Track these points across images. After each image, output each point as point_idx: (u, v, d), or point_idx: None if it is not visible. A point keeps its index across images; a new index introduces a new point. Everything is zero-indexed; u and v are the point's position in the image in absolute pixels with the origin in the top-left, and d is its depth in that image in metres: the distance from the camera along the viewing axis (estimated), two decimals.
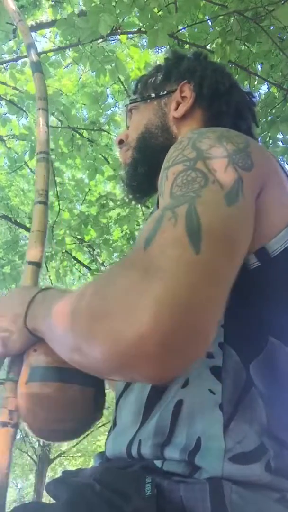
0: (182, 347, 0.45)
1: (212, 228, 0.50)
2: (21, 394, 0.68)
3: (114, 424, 0.71)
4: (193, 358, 0.47)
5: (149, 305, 0.43)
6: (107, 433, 0.74)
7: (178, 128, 0.86)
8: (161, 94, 0.90)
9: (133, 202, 3.90)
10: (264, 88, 3.52)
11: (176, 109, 0.87)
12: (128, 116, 0.96)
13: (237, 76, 2.69)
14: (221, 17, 2.41)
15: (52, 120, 4.19)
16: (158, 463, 0.59)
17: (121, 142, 0.94)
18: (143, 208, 4.10)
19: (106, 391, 0.72)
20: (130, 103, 0.94)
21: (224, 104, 0.86)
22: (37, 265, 0.82)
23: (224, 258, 0.49)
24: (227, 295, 0.49)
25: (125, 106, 0.96)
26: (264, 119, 2.90)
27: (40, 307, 0.65)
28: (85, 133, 3.76)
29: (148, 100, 0.91)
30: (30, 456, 12.37)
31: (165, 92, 0.90)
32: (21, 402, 0.68)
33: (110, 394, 0.88)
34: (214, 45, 2.66)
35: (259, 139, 2.98)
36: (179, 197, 0.55)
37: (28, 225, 4.95)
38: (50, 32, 5.03)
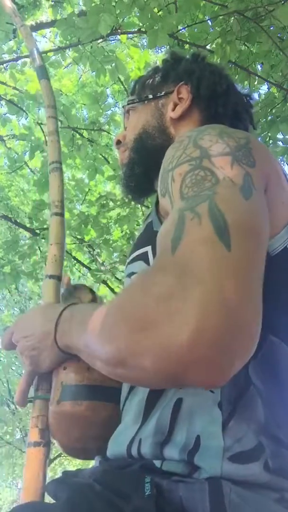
0: (233, 346, 0.44)
1: (238, 223, 0.49)
2: (53, 413, 0.68)
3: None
4: (245, 356, 0.47)
5: (194, 309, 0.43)
6: None
7: (175, 129, 0.87)
8: (158, 95, 0.90)
9: (133, 202, 3.91)
10: (264, 88, 3.52)
11: (173, 110, 0.87)
12: (125, 117, 0.96)
13: (237, 76, 2.69)
14: (221, 17, 2.41)
15: None
16: (157, 462, 0.59)
17: (118, 142, 0.95)
18: (143, 208, 4.10)
19: None
20: (128, 104, 0.95)
21: (221, 105, 0.87)
22: (58, 278, 0.81)
23: (254, 251, 0.49)
24: (262, 287, 0.49)
25: (123, 107, 0.97)
26: (264, 119, 2.90)
27: (70, 323, 0.64)
28: (85, 133, 3.76)
29: (146, 101, 0.91)
30: None
31: (162, 93, 0.90)
32: (52, 421, 0.68)
33: None
34: (214, 45, 2.66)
35: (259, 139, 2.98)
36: (194, 197, 0.54)
37: (28, 225, 4.94)
38: (50, 32, 5.03)
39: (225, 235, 0.47)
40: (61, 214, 0.88)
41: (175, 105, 0.87)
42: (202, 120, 0.86)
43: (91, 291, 0.81)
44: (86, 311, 0.61)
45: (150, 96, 0.91)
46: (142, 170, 0.88)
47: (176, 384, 0.50)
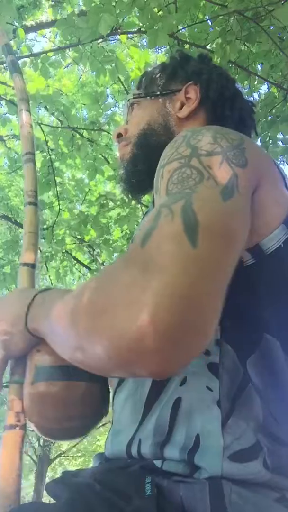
0: (184, 341, 0.45)
1: (209, 223, 0.50)
2: (28, 395, 0.68)
3: (112, 422, 0.71)
4: (195, 352, 0.48)
5: (149, 300, 0.44)
6: (107, 433, 0.74)
7: (180, 128, 0.86)
8: (165, 92, 0.90)
9: (133, 201, 3.90)
10: (264, 88, 3.53)
11: (180, 109, 0.87)
12: (128, 111, 0.95)
13: (237, 76, 2.69)
14: (221, 17, 2.40)
15: (52, 120, 4.20)
16: (157, 463, 0.59)
17: (119, 136, 0.94)
18: (143, 208, 4.10)
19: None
20: (134, 98, 0.94)
21: (228, 108, 0.87)
22: (32, 266, 0.82)
23: (221, 252, 0.50)
24: (225, 289, 0.49)
25: (128, 100, 0.96)
26: (264, 119, 2.90)
27: (40, 308, 0.65)
28: (85, 133, 3.76)
29: (152, 97, 0.91)
30: (30, 456, 12.37)
31: (170, 91, 0.90)
32: (28, 403, 0.68)
33: None
34: (214, 45, 2.66)
35: (259, 139, 2.98)
36: (175, 194, 0.55)
37: None
38: (50, 32, 5.02)
39: (193, 233, 0.48)
40: (35, 204, 0.91)
41: (182, 105, 0.88)
42: (208, 122, 0.86)
43: None
44: (56, 295, 0.62)
45: (157, 93, 0.91)
46: (145, 166, 0.87)
47: (127, 372, 0.51)
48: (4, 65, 3.79)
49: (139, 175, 0.89)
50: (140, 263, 0.48)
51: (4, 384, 0.72)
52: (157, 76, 0.93)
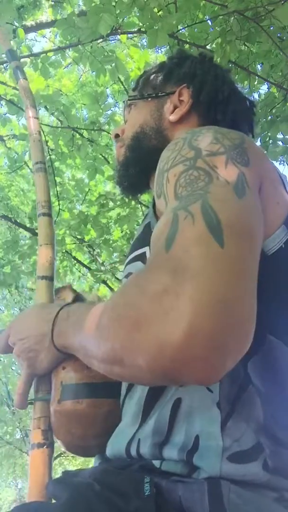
0: (227, 343, 0.44)
1: (232, 222, 0.50)
2: (55, 413, 0.68)
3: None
4: (239, 353, 0.47)
5: (187, 306, 0.43)
6: None
7: (171, 131, 0.86)
8: (159, 94, 0.90)
9: (133, 202, 3.90)
10: (264, 88, 3.52)
11: (172, 112, 0.87)
12: (126, 111, 0.95)
13: (237, 76, 2.69)
14: (221, 17, 2.40)
15: (52, 120, 4.19)
16: (156, 463, 0.59)
17: (117, 136, 0.94)
18: (143, 208, 4.10)
19: None
20: (129, 99, 0.94)
21: (220, 112, 0.86)
22: (50, 279, 0.81)
23: (247, 249, 0.50)
24: (256, 286, 0.49)
25: (123, 102, 0.96)
26: (264, 119, 2.90)
27: (67, 323, 0.64)
28: (85, 133, 3.75)
29: (147, 99, 0.91)
30: None
31: (164, 93, 0.89)
32: (55, 421, 0.68)
33: None
34: (214, 45, 2.66)
35: (259, 139, 2.98)
36: (188, 196, 0.55)
37: (28, 225, 4.95)
38: (50, 32, 5.02)
39: (218, 233, 0.48)
40: (49, 214, 0.89)
41: (175, 107, 0.87)
42: (200, 125, 0.84)
43: (73, 289, 0.81)
44: (82, 310, 0.62)
45: (152, 94, 0.90)
46: (136, 170, 0.88)
47: (171, 381, 0.50)
48: (4, 65, 3.79)
49: (130, 179, 0.90)
50: (169, 269, 0.47)
51: (29, 401, 0.72)
52: (153, 77, 0.93)
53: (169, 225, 0.51)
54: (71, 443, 0.70)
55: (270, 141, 3.04)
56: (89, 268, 5.58)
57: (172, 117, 0.86)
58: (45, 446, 0.67)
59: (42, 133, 1.03)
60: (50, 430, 0.69)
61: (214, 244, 0.47)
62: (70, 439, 0.69)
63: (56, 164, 4.03)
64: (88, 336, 0.55)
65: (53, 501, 0.65)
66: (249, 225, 0.52)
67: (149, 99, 0.90)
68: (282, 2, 2.16)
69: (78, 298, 0.79)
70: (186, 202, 0.53)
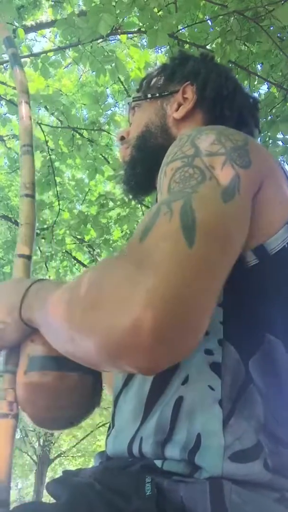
0: (174, 338, 0.45)
1: (207, 224, 0.50)
2: (21, 384, 0.68)
3: (113, 423, 0.71)
4: (185, 350, 0.48)
5: (142, 296, 0.44)
6: (107, 432, 0.74)
7: (177, 129, 0.86)
8: (163, 94, 0.90)
9: (133, 202, 3.90)
10: (264, 88, 3.52)
11: (177, 110, 0.87)
12: (131, 113, 0.96)
13: (237, 76, 2.69)
14: (221, 17, 2.40)
15: (52, 120, 4.19)
16: (158, 462, 0.59)
17: (122, 138, 0.95)
18: (143, 208, 4.10)
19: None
20: (133, 101, 0.94)
21: (226, 108, 0.86)
22: (28, 258, 0.82)
23: (218, 253, 0.50)
24: (220, 290, 0.50)
25: (128, 103, 0.97)
26: (264, 119, 2.90)
27: (35, 298, 0.65)
28: (85, 133, 3.75)
29: (151, 99, 0.91)
30: (30, 456, 12.37)
31: (167, 92, 0.90)
32: (20, 392, 0.68)
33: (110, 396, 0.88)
34: (214, 45, 2.66)
35: (259, 139, 2.98)
36: (176, 192, 0.56)
37: None
38: (50, 32, 5.02)
39: (190, 233, 0.49)
40: (32, 196, 0.91)
41: (179, 105, 0.87)
42: (205, 122, 0.85)
43: None
44: (51, 286, 0.63)
45: (156, 94, 0.91)
46: (143, 169, 0.88)
47: (116, 367, 0.51)
48: (4, 65, 3.79)
49: (137, 177, 0.90)
50: (136, 259, 0.48)
51: None
52: (156, 77, 0.93)
53: (150, 217, 0.53)
54: (36, 415, 0.70)
55: (270, 141, 3.04)
56: None
57: (177, 115, 0.86)
58: (10, 417, 0.68)
59: (40, 129, 1.04)
60: (16, 402, 0.69)
61: (182, 242, 0.48)
62: (35, 411, 0.69)
63: (56, 164, 4.03)
64: (49, 312, 0.56)
65: (53, 500, 0.65)
66: (226, 229, 0.52)
67: (153, 99, 0.91)
68: (282, 2, 2.16)
69: None
70: (172, 197, 0.54)
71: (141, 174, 0.89)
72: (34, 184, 0.93)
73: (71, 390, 0.68)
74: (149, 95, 0.92)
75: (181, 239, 0.48)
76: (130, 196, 0.96)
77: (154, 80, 0.93)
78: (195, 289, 0.46)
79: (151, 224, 0.51)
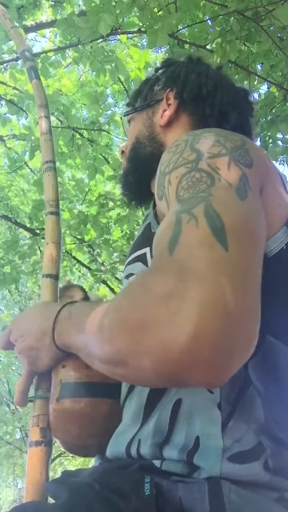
0: (232, 347, 0.44)
1: (235, 224, 0.50)
2: (53, 411, 0.68)
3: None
4: (244, 356, 0.47)
5: (193, 309, 0.43)
6: None
7: (165, 135, 0.87)
8: (150, 103, 0.91)
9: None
10: (264, 88, 3.52)
11: (162, 117, 0.87)
12: (128, 127, 0.98)
13: (237, 75, 2.69)
14: (221, 16, 2.40)
15: (52, 120, 4.19)
16: (157, 462, 0.59)
17: (122, 152, 0.97)
18: (143, 208, 4.09)
19: None
20: (125, 115, 0.97)
21: (208, 106, 0.85)
22: (55, 277, 0.81)
23: (251, 252, 0.50)
24: (260, 288, 0.49)
25: (121, 118, 0.99)
26: (264, 119, 2.90)
27: (68, 322, 0.64)
28: (85, 133, 3.75)
29: (140, 111, 0.93)
30: None
31: (154, 102, 0.91)
32: (53, 419, 0.68)
33: None
34: (214, 45, 2.66)
35: (258, 138, 2.98)
36: (190, 199, 0.54)
37: (28, 225, 4.95)
38: (50, 32, 5.02)
39: (222, 236, 0.48)
40: (57, 213, 0.89)
41: (164, 112, 0.88)
42: (192, 124, 0.85)
43: (82, 289, 0.81)
44: (84, 309, 0.61)
45: (143, 106, 0.92)
46: (135, 178, 0.91)
47: (175, 383, 0.50)
48: (5, 65, 3.79)
49: (130, 187, 0.93)
50: (173, 272, 0.46)
51: (29, 399, 0.72)
52: (142, 89, 0.95)
53: (172, 227, 0.51)
54: (68, 442, 0.70)
55: (270, 140, 3.04)
56: (89, 268, 5.57)
57: (162, 121, 0.87)
58: (43, 444, 0.67)
59: (50, 132, 1.03)
60: (49, 429, 0.69)
61: (218, 246, 0.47)
62: (67, 438, 0.69)
63: (56, 164, 4.03)
64: (91, 336, 0.55)
65: (53, 501, 0.65)
66: (252, 227, 0.52)
67: (142, 110, 0.92)
68: (282, 2, 2.16)
69: (86, 298, 0.79)
70: (189, 204, 0.53)
71: (133, 182, 0.91)
72: (58, 201, 0.91)
73: (103, 417, 0.67)
74: (137, 107, 0.93)
75: (215, 243, 0.47)
76: (132, 203, 0.97)
77: (140, 92, 0.95)
78: (242, 292, 0.45)
79: (176, 235, 0.50)
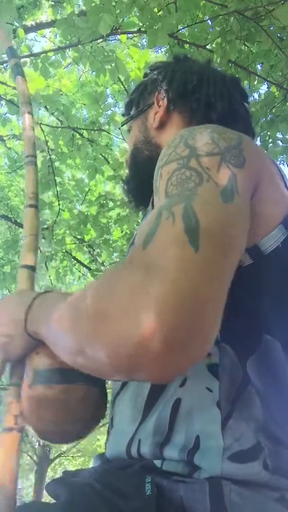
0: (187, 345, 0.45)
1: (210, 226, 0.50)
2: (26, 398, 0.68)
3: (111, 424, 0.71)
4: (197, 356, 0.47)
5: (152, 305, 0.43)
6: (107, 434, 0.74)
7: (159, 137, 0.87)
8: (143, 109, 0.92)
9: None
10: (264, 88, 3.52)
11: (154, 119, 0.88)
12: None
13: (237, 75, 2.69)
14: (221, 16, 2.40)
15: (52, 120, 4.19)
16: (157, 462, 0.59)
17: (126, 162, 0.98)
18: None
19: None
20: (122, 126, 0.99)
21: (194, 101, 0.85)
22: (32, 268, 0.82)
23: (223, 255, 0.50)
24: (226, 293, 0.49)
25: (119, 128, 1.00)
26: (264, 119, 2.90)
27: (40, 310, 0.64)
28: (85, 133, 3.75)
29: (134, 119, 0.94)
30: (30, 456, 12.36)
31: (146, 107, 0.91)
32: (26, 406, 0.68)
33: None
34: (214, 45, 2.67)
35: (258, 138, 2.98)
36: (175, 196, 0.55)
37: None
38: (50, 32, 5.02)
39: (194, 236, 0.48)
40: (36, 206, 0.91)
41: (156, 114, 0.88)
42: (183, 121, 0.85)
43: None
44: (55, 299, 0.62)
45: (137, 112, 0.93)
46: (136, 183, 0.92)
47: (129, 377, 0.51)
48: (5, 65, 3.79)
49: (132, 194, 0.94)
50: (143, 266, 0.47)
51: (2, 386, 0.72)
52: (134, 97, 0.96)
53: (151, 222, 0.52)
54: (41, 429, 0.70)
55: (270, 140, 3.04)
56: (89, 268, 5.58)
57: (154, 124, 0.88)
58: (15, 430, 0.67)
59: (40, 129, 1.05)
60: (21, 415, 0.69)
61: (188, 247, 0.47)
62: (40, 425, 0.69)
63: (56, 164, 4.03)
64: (56, 325, 0.56)
65: (53, 501, 0.65)
66: (229, 232, 0.52)
67: (136, 117, 0.93)
68: (282, 2, 2.16)
69: None
70: (172, 201, 0.54)
71: (134, 188, 0.92)
72: (38, 194, 0.94)
73: (77, 403, 0.67)
74: (133, 115, 0.94)
75: (186, 243, 0.47)
76: (140, 208, 0.98)
77: (133, 99, 0.96)
78: (204, 294, 0.46)
79: (153, 230, 0.51)
